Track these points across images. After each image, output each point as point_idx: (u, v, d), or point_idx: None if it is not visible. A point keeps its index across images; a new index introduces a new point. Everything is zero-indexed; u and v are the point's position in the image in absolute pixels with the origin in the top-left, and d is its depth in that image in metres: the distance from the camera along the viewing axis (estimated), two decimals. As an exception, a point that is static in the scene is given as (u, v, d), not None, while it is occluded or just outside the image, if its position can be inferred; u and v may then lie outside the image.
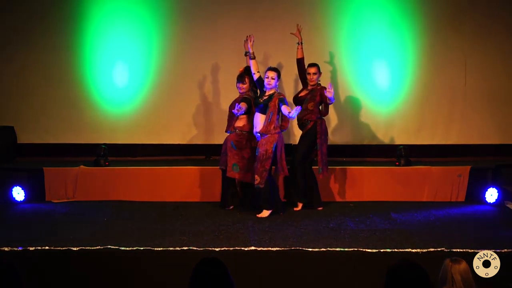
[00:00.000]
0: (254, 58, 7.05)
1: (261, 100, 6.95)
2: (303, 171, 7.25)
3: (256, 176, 6.89)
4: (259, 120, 6.94)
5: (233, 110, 6.99)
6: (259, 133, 6.93)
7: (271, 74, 6.96)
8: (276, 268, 5.56)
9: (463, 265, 3.86)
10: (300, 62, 7.41)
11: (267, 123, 6.88)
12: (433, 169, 7.81)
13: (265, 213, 6.95)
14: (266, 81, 6.96)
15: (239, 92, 7.27)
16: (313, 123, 7.22)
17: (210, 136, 8.71)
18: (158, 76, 8.74)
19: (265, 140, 6.89)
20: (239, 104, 6.95)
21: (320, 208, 7.26)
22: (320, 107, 7.31)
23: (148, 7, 8.68)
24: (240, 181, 7.25)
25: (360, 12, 8.67)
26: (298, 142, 7.38)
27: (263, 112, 6.92)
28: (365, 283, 5.48)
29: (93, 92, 8.76)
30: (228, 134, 7.25)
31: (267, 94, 6.98)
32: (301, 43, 7.38)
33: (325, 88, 7.10)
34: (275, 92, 6.97)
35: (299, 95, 7.39)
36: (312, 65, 7.27)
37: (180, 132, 8.81)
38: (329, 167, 7.57)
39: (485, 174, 7.79)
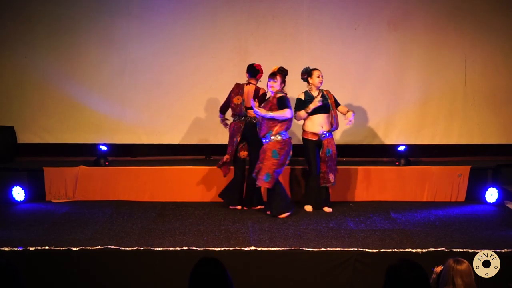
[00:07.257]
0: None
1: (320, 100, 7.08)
2: None
3: (331, 175, 7.09)
4: (324, 119, 7.09)
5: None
6: (327, 132, 7.11)
7: (319, 73, 7.10)
8: (276, 268, 5.56)
9: (465, 267, 3.83)
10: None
11: (334, 119, 7.17)
12: (433, 169, 7.81)
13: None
14: (317, 80, 7.06)
15: (269, 91, 6.89)
16: None
17: (210, 136, 8.69)
18: (158, 76, 8.72)
19: (332, 139, 7.13)
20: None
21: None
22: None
23: (148, 7, 8.68)
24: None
25: (360, 11, 8.66)
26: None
27: (325, 111, 7.09)
28: (365, 283, 5.48)
29: (93, 92, 8.75)
30: (266, 142, 6.82)
31: (317, 94, 7.11)
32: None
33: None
34: (322, 89, 7.15)
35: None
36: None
37: (180, 132, 8.79)
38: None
39: (485, 174, 7.80)
